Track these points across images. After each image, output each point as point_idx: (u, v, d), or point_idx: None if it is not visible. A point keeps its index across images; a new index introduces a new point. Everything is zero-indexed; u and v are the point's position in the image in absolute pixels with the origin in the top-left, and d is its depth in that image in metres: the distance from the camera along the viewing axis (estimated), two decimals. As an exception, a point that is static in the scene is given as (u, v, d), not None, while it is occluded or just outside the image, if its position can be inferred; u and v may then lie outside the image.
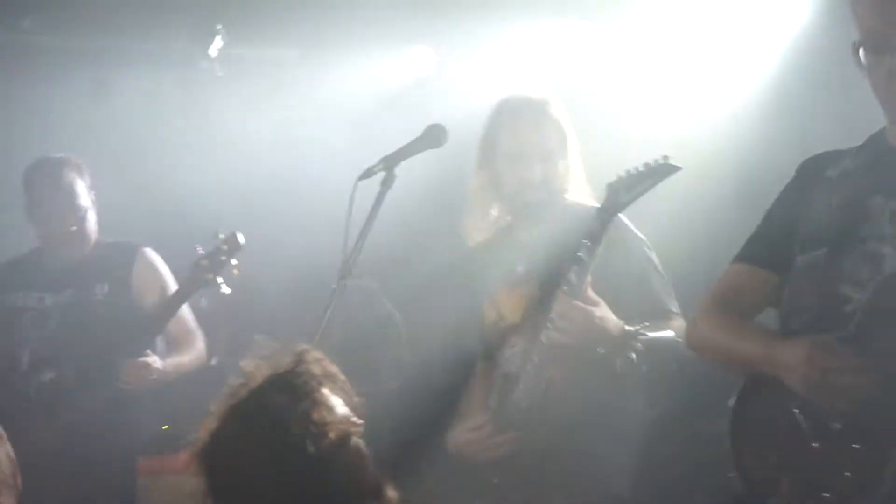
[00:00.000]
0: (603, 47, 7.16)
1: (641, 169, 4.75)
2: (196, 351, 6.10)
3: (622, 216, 4.97)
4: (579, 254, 4.75)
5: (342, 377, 2.98)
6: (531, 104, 5.17)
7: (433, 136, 4.98)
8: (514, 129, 5.14)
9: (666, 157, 4.72)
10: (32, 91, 7.13)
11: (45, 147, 6.27)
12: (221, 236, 5.73)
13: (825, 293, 3.69)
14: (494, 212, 5.28)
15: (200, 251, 5.76)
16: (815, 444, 3.59)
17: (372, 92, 7.48)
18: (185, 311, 6.00)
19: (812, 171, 3.91)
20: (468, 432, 4.99)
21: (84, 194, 5.98)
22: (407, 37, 7.55)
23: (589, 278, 4.77)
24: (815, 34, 5.73)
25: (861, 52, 3.62)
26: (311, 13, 6.95)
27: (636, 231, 5.07)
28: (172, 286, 6.02)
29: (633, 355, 4.77)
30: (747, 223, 4.06)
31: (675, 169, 4.73)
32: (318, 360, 2.97)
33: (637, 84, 6.89)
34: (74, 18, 6.99)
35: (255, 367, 2.97)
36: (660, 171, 4.74)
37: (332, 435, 2.85)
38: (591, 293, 4.78)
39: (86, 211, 5.98)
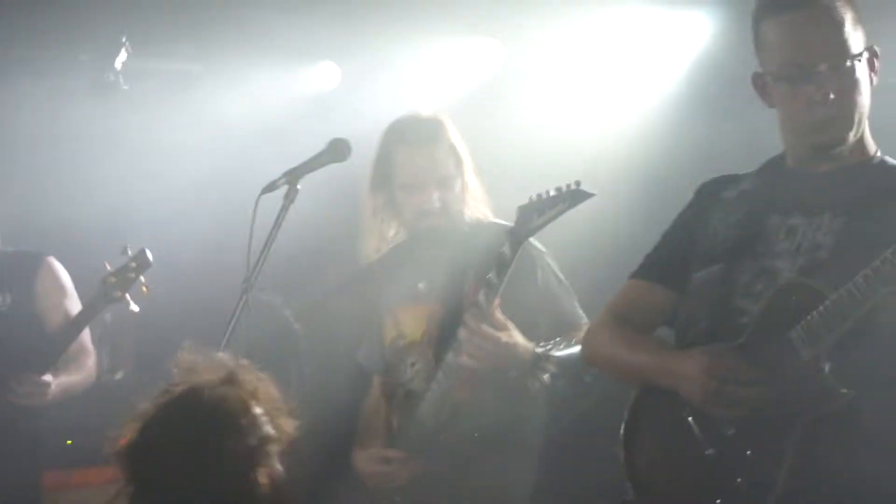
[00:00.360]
0: (510, 65, 7.18)
1: (553, 193, 4.70)
2: (86, 371, 5.96)
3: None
4: (489, 276, 4.73)
5: (274, 396, 3.00)
6: (423, 128, 5.12)
7: (337, 150, 4.95)
8: (409, 157, 5.10)
9: (578, 183, 4.68)
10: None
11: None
12: (130, 253, 5.65)
13: (720, 306, 3.75)
14: (391, 232, 5.23)
15: (108, 268, 5.68)
16: (708, 451, 3.63)
17: (276, 106, 7.48)
18: (84, 330, 5.88)
19: (709, 193, 3.97)
20: (376, 464, 4.99)
21: None
22: (313, 52, 7.55)
23: (497, 300, 4.74)
24: (718, 54, 5.80)
25: (770, 82, 3.71)
26: (216, 28, 6.92)
27: (536, 243, 5.03)
28: (76, 299, 5.91)
29: (546, 377, 4.78)
30: (651, 235, 4.10)
31: (588, 195, 4.69)
32: (252, 378, 3.01)
33: (544, 100, 6.91)
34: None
35: (188, 368, 3.05)
36: (572, 197, 4.69)
37: (254, 442, 2.87)
38: (499, 315, 4.76)
39: None
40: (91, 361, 5.98)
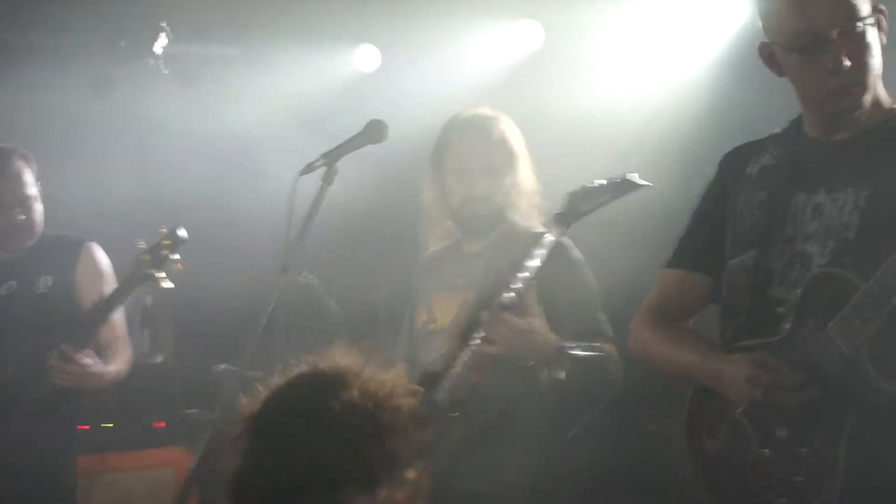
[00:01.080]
0: (549, 46, 7.19)
1: (603, 182, 4.71)
2: (123, 362, 5.86)
3: (565, 239, 4.95)
4: (526, 262, 4.70)
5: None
6: (479, 121, 5.13)
7: (374, 132, 4.93)
8: (460, 145, 5.11)
9: (626, 174, 4.69)
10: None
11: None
12: (163, 231, 5.59)
13: (757, 297, 3.72)
14: (450, 224, 5.23)
15: (142, 245, 5.60)
16: (765, 451, 3.62)
17: (315, 89, 7.52)
18: (119, 318, 5.85)
19: (733, 168, 3.94)
20: None
21: (31, 184, 5.81)
22: (353, 35, 7.58)
23: (534, 292, 4.72)
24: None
25: (781, 52, 3.66)
26: (256, 11, 6.96)
27: (576, 252, 5.05)
28: (114, 283, 5.87)
29: (563, 374, 4.76)
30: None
31: (637, 186, 4.70)
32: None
33: (584, 81, 6.88)
34: (24, 14, 6.92)
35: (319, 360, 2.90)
36: (621, 187, 4.70)
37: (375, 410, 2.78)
38: (534, 305, 4.74)
39: (33, 201, 5.83)
40: (127, 352, 5.92)
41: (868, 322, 3.41)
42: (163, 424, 6.78)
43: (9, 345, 5.56)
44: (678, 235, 4.03)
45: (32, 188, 5.82)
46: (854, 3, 3.55)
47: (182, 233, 5.59)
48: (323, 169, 4.85)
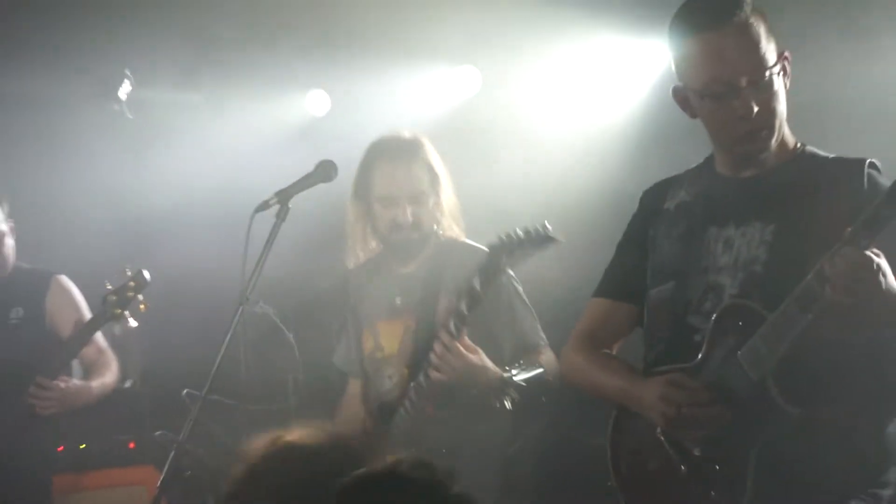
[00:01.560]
0: (487, 90, 7.23)
1: (522, 235, 4.66)
2: (113, 371, 5.96)
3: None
4: (460, 307, 4.71)
5: None
6: (402, 146, 5.12)
7: (324, 171, 4.97)
8: (386, 172, 5.09)
9: (545, 228, 4.65)
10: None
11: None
12: (129, 273, 5.65)
13: (675, 325, 3.75)
14: (372, 243, 5.23)
15: (109, 287, 5.66)
16: (681, 469, 3.64)
17: (270, 132, 7.51)
18: (98, 336, 5.88)
19: (652, 202, 3.97)
20: None
21: (2, 221, 5.85)
22: (304, 82, 7.58)
23: (464, 329, 4.74)
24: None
25: (694, 97, 3.67)
26: (213, 59, 6.94)
27: (507, 273, 5.02)
28: (85, 312, 5.93)
29: (508, 400, 4.79)
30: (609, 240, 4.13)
31: (554, 241, 4.67)
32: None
33: (518, 124, 6.96)
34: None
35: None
36: (540, 241, 4.66)
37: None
38: (467, 341, 4.75)
39: (4, 236, 5.85)
40: (114, 362, 6.00)
41: (773, 350, 3.44)
42: (132, 445, 6.74)
43: None
44: (605, 266, 4.07)
45: (2, 225, 5.84)
46: (763, 53, 3.57)
47: (145, 275, 5.66)
48: (276, 206, 4.88)
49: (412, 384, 4.86)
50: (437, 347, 4.74)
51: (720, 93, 3.59)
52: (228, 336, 4.78)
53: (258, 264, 4.84)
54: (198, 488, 6.01)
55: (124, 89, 7.11)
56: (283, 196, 4.90)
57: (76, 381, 5.84)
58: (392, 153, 5.11)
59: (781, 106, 3.63)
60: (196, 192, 7.11)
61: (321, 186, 5.00)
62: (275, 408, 6.46)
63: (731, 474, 3.52)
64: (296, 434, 2.88)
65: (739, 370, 3.50)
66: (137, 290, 5.62)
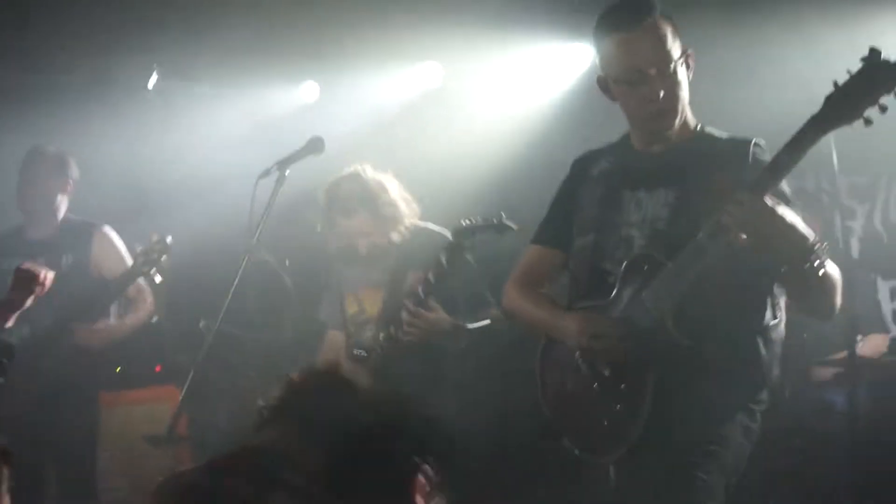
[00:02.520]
0: (448, 84, 7.26)
1: (481, 223, 4.79)
2: (146, 308, 6.01)
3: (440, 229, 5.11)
4: (428, 276, 4.84)
5: None
6: (345, 189, 5.17)
7: (314, 146, 5.06)
8: (339, 218, 5.18)
9: (501, 216, 4.77)
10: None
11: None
12: (154, 238, 5.69)
13: (593, 269, 3.86)
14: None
15: (139, 249, 5.73)
16: (594, 386, 3.75)
17: (270, 115, 7.50)
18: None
19: (580, 169, 4.06)
20: None
21: (53, 183, 5.96)
22: (299, 74, 7.56)
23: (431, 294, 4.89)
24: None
25: (612, 84, 3.78)
26: (224, 54, 6.93)
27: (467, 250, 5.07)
28: (125, 259, 5.94)
29: (462, 344, 4.97)
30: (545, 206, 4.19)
31: (509, 228, 4.78)
32: None
33: (473, 112, 7.01)
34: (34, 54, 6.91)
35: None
36: (497, 228, 4.79)
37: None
38: (431, 302, 4.90)
39: (55, 195, 5.97)
40: (148, 301, 6.01)
41: (671, 292, 3.56)
42: (158, 368, 6.87)
43: (41, 311, 5.60)
44: (541, 219, 4.17)
45: (54, 185, 5.96)
46: (669, 49, 3.66)
47: (169, 240, 5.68)
48: (276, 174, 4.99)
49: (381, 335, 5.00)
50: (405, 314, 4.88)
51: (633, 80, 3.69)
52: (237, 279, 4.89)
53: (261, 220, 4.94)
54: (211, 404, 6.14)
55: (152, 80, 7.15)
56: (282, 165, 4.98)
57: (112, 322, 5.95)
58: (338, 197, 5.17)
59: (684, 92, 3.73)
60: (209, 165, 7.11)
61: (311, 158, 5.07)
62: (273, 338, 6.52)
63: (634, 392, 3.63)
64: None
65: (643, 307, 3.62)
66: (161, 252, 5.66)
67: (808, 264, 3.47)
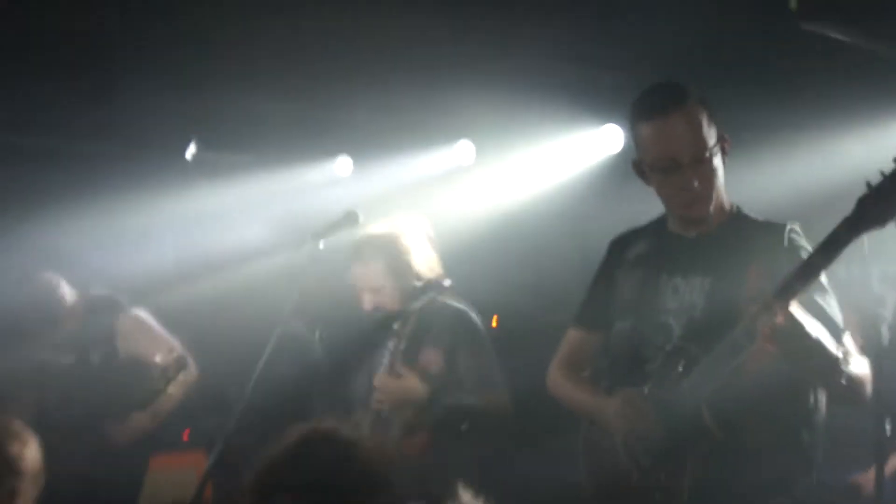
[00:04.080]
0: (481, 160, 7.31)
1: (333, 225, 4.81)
2: (182, 387, 5.76)
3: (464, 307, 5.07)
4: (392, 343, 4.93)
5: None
6: (361, 247, 5.17)
7: (350, 218, 4.99)
8: (352, 266, 5.20)
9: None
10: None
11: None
12: (174, 356, 5.58)
13: (633, 355, 3.82)
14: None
15: (158, 361, 5.58)
16: (634, 475, 3.74)
17: (304, 187, 7.53)
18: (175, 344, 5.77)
19: (617, 252, 4.03)
20: None
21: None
22: (331, 148, 7.61)
23: (398, 357, 4.91)
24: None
25: (647, 169, 3.76)
26: (261, 128, 7.03)
27: (474, 318, 5.09)
28: (156, 338, 5.80)
29: (430, 421, 4.90)
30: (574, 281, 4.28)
31: (355, 216, 4.82)
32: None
33: (508, 188, 7.06)
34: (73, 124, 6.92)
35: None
36: (345, 220, 4.81)
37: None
38: (399, 368, 4.90)
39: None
40: (189, 381, 5.83)
41: (708, 385, 3.52)
42: (187, 434, 6.78)
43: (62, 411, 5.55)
44: (580, 301, 4.14)
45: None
46: (703, 136, 3.61)
47: (187, 361, 5.60)
48: (310, 246, 4.87)
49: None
50: (376, 381, 4.90)
51: (666, 167, 3.66)
52: (268, 349, 4.75)
53: (294, 292, 4.82)
54: (238, 471, 6.18)
55: (190, 150, 7.19)
56: (316, 236, 4.88)
57: (143, 418, 5.72)
58: (356, 254, 5.18)
59: (719, 179, 3.69)
60: (244, 233, 7.20)
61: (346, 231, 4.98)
62: (299, 406, 6.23)
63: (673, 482, 3.62)
64: (329, 426, 2.91)
65: (681, 398, 3.59)
66: (179, 370, 5.51)
67: (831, 381, 3.49)
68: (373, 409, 4.92)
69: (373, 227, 5.16)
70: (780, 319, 3.30)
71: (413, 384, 4.90)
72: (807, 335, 3.39)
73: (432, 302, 5.11)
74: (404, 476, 2.98)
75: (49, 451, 4.55)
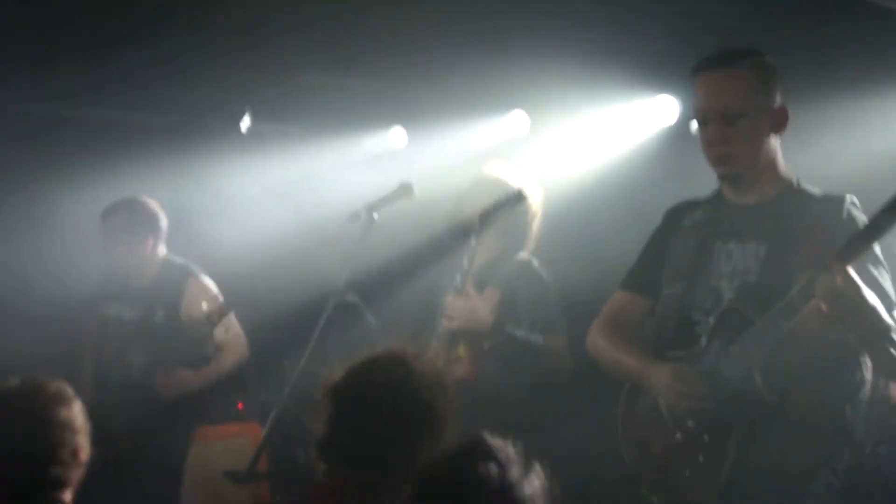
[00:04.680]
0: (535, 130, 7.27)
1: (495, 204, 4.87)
2: (233, 355, 5.87)
3: (533, 260, 5.07)
4: (464, 262, 4.85)
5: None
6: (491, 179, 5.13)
7: (404, 190, 5.09)
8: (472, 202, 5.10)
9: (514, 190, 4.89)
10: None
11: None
12: (216, 306, 5.66)
13: (681, 318, 3.83)
14: None
15: (204, 308, 5.62)
16: (678, 435, 3.74)
17: (359, 159, 7.59)
18: (231, 320, 5.80)
19: (673, 219, 4.04)
20: None
21: (139, 232, 5.88)
22: (386, 119, 7.60)
23: (469, 279, 4.87)
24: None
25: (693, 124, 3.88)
26: (312, 100, 7.04)
27: (539, 268, 5.09)
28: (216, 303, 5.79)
29: (488, 344, 4.86)
30: (630, 253, 4.20)
31: (522, 196, 4.89)
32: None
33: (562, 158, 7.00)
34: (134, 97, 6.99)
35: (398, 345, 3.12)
36: (513, 200, 4.87)
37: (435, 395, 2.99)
38: (469, 290, 4.86)
39: (148, 248, 5.89)
40: (239, 347, 5.91)
41: (759, 348, 3.52)
42: (241, 405, 6.84)
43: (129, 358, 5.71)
44: (629, 266, 4.16)
45: (141, 235, 5.88)
46: (746, 97, 3.65)
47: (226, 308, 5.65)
48: (364, 217, 5.01)
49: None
50: (448, 299, 4.85)
51: (701, 119, 3.75)
52: (324, 318, 4.92)
53: (351, 262, 4.99)
54: (292, 441, 6.05)
55: (245, 123, 7.23)
56: (370, 208, 5.01)
57: (188, 374, 5.78)
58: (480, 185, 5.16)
59: (755, 145, 3.70)
60: (303, 204, 7.24)
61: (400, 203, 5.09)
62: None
63: (717, 445, 3.62)
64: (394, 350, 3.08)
65: (732, 362, 3.59)
66: (221, 316, 5.57)
67: (881, 350, 3.47)
68: (442, 329, 4.90)
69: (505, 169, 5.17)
70: (839, 280, 3.30)
71: (482, 307, 4.86)
72: (864, 299, 3.38)
73: (525, 264, 5.10)
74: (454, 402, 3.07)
75: (104, 407, 4.83)
